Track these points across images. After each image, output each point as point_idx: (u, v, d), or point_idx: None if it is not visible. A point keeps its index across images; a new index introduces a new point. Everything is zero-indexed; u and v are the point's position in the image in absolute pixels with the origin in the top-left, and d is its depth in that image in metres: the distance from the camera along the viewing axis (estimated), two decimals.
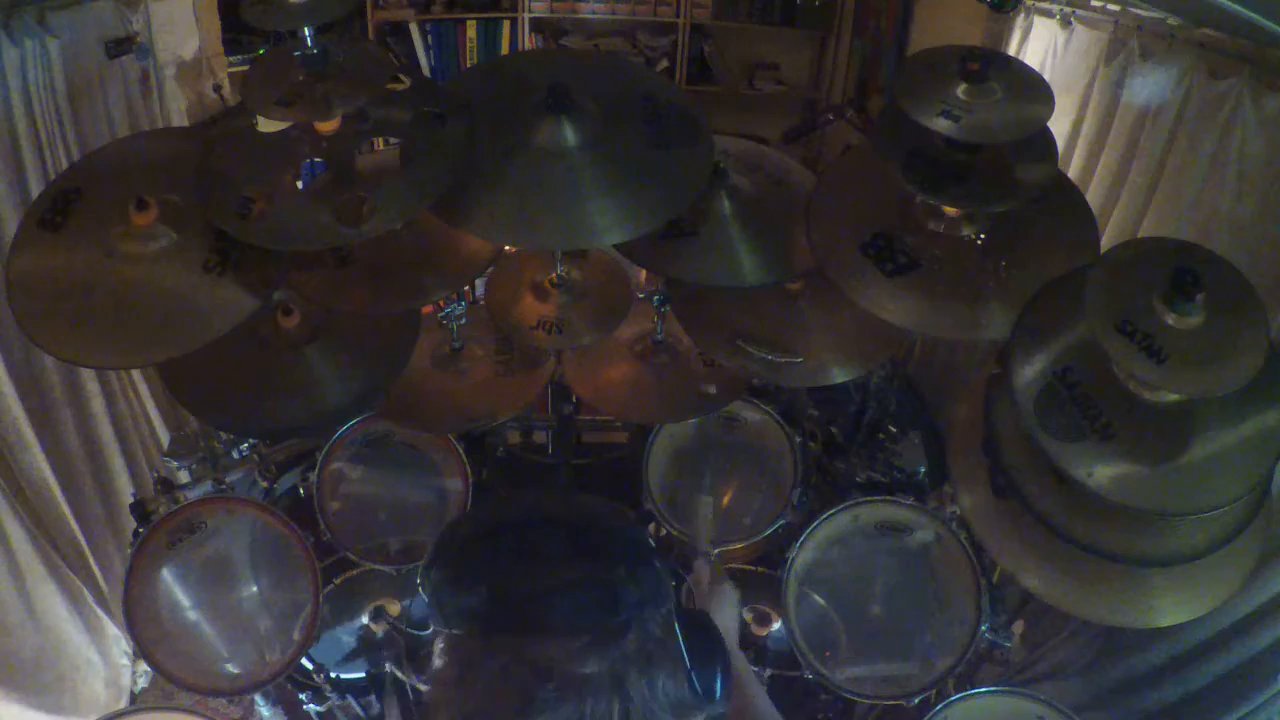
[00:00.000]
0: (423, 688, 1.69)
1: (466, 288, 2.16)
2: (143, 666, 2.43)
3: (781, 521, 1.80)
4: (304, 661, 1.63)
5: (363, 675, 1.81)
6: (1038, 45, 2.42)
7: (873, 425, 1.93)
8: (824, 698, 1.75)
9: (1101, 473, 1.11)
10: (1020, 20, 2.51)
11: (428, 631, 1.66)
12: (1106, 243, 1.54)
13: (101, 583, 2.26)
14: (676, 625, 0.79)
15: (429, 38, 3.95)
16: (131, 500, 1.63)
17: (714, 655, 0.93)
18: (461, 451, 1.80)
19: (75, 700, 2.21)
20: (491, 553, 0.75)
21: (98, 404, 2.17)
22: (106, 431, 2.21)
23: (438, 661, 0.75)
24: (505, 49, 3.98)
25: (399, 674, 1.71)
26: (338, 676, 1.74)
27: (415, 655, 1.68)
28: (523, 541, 0.75)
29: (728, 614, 1.26)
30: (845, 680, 1.59)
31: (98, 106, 2.10)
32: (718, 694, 0.91)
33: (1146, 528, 1.20)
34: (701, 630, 0.96)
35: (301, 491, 1.78)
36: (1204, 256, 1.11)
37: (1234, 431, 1.11)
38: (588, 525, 0.77)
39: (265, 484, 1.86)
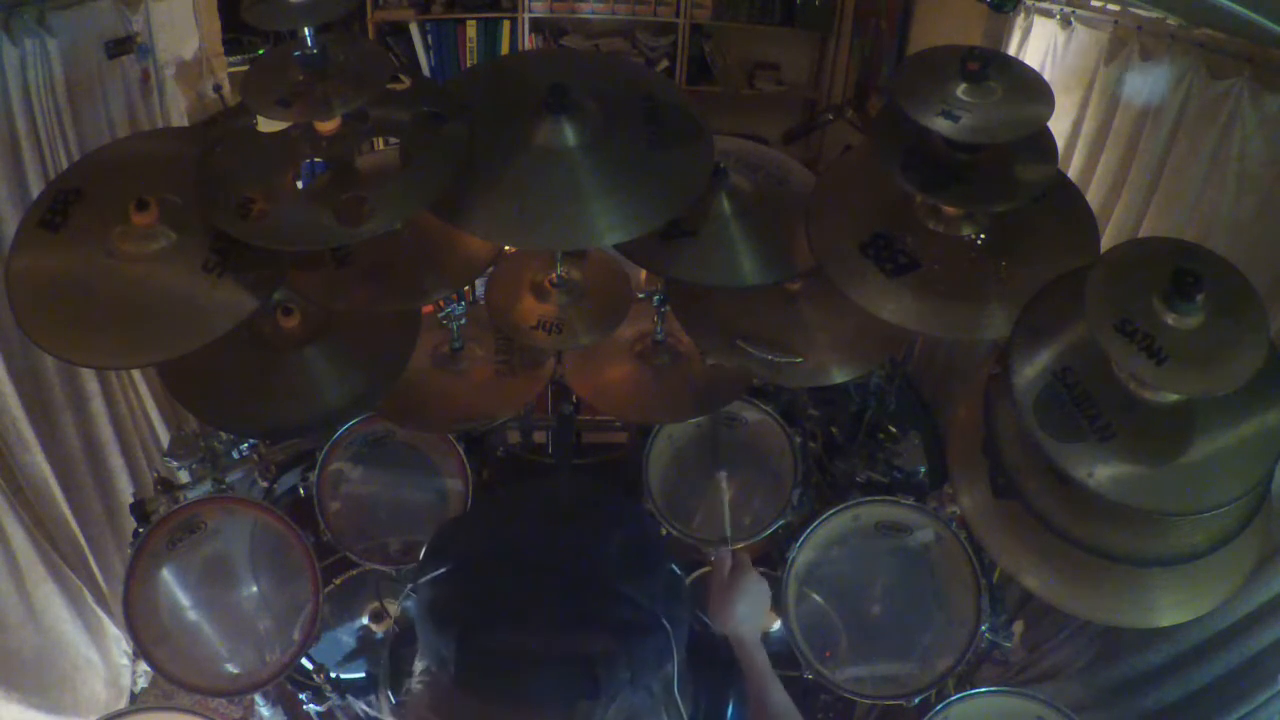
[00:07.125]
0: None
1: (466, 288, 2.16)
2: (143, 666, 2.43)
3: (781, 521, 1.80)
4: (304, 661, 1.63)
5: (363, 675, 1.81)
6: (1038, 45, 2.42)
7: (873, 425, 1.93)
8: (824, 698, 1.75)
9: (1101, 473, 1.11)
10: (1020, 20, 2.50)
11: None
12: (1106, 243, 1.54)
13: (101, 583, 2.26)
14: (676, 683, 0.70)
15: (429, 38, 3.96)
16: (131, 500, 1.63)
17: (724, 688, 0.86)
18: (461, 451, 1.80)
19: (75, 700, 2.22)
20: (472, 593, 0.68)
21: (98, 404, 2.17)
22: (106, 431, 2.21)
23: (415, 685, 0.70)
24: (505, 49, 3.99)
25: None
26: (338, 676, 1.74)
27: (398, 673, 1.65)
28: (508, 590, 0.67)
29: (751, 607, 1.11)
30: (845, 680, 1.58)
31: (98, 106, 2.10)
32: None
33: (1146, 528, 1.20)
34: (710, 665, 0.86)
35: (301, 491, 1.78)
36: (1204, 256, 1.10)
37: (1234, 431, 1.11)
38: (589, 576, 0.68)
39: (265, 484, 1.86)
